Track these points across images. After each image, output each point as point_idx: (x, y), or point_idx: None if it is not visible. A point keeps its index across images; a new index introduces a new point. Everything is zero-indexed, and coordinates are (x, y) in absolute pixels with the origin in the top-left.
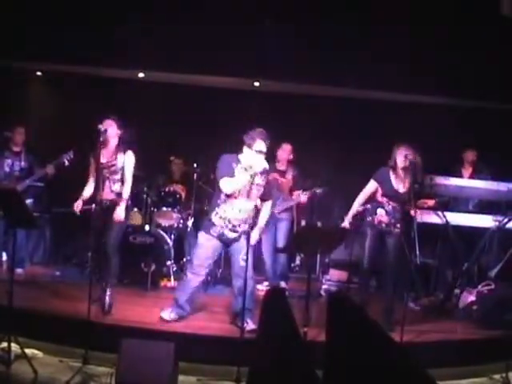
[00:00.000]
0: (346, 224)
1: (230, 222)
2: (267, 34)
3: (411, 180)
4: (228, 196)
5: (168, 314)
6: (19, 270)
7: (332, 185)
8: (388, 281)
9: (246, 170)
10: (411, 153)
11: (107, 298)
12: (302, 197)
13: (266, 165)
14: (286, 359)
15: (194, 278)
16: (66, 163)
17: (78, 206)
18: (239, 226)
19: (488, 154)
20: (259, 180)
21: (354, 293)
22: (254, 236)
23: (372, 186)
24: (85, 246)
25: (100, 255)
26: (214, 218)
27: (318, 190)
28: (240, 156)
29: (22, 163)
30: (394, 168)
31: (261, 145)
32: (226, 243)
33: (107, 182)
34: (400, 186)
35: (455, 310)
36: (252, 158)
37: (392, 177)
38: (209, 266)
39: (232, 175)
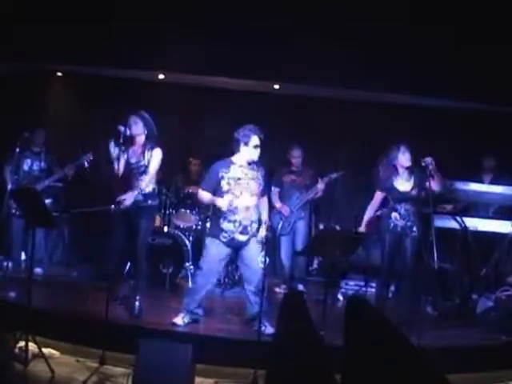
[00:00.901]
0: (361, 229)
1: (240, 224)
2: (289, 36)
3: (420, 180)
4: (234, 198)
5: (181, 319)
6: (38, 270)
7: (348, 187)
8: (406, 285)
9: (238, 179)
10: (410, 153)
11: (137, 302)
12: (319, 185)
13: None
14: (304, 362)
15: (204, 284)
16: (86, 165)
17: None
18: (250, 226)
19: (508, 161)
20: (256, 174)
21: (371, 297)
22: (261, 233)
23: (379, 195)
24: (104, 246)
25: (123, 257)
26: (223, 223)
27: (334, 175)
28: (236, 156)
29: (42, 163)
30: (397, 172)
31: (256, 140)
32: (236, 248)
33: (135, 182)
34: (406, 186)
35: (473, 315)
36: (251, 153)
37: (396, 182)
38: (218, 272)
39: (216, 186)
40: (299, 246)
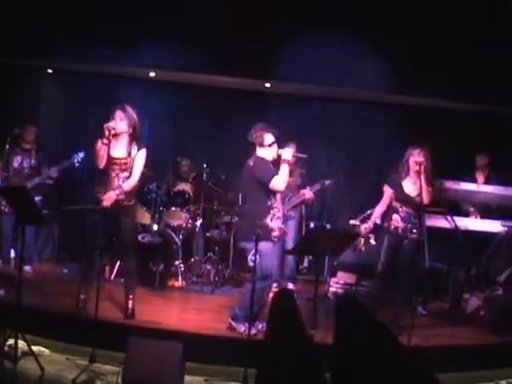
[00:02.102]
0: (362, 230)
1: (284, 216)
2: (280, 36)
3: (422, 184)
4: (275, 193)
5: (243, 326)
6: (27, 267)
7: (340, 185)
8: (401, 286)
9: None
10: (423, 157)
11: (130, 302)
12: (309, 193)
13: (289, 151)
14: (294, 361)
15: (263, 288)
16: (77, 164)
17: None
18: (290, 216)
19: (501, 160)
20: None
21: (362, 296)
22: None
23: (388, 191)
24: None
25: (103, 256)
26: (271, 222)
27: (327, 182)
28: (262, 155)
29: (32, 161)
30: (407, 172)
31: (271, 137)
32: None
33: (115, 180)
34: (411, 190)
35: (463, 314)
36: (272, 151)
37: (404, 181)
38: (273, 274)
39: (275, 174)
40: (290, 245)
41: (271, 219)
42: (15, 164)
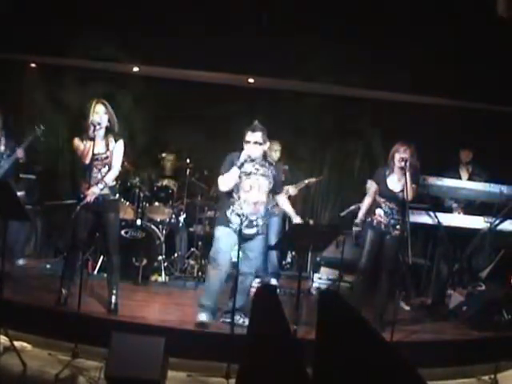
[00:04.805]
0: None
1: (246, 218)
2: (264, 31)
3: (407, 181)
4: (242, 192)
5: (205, 316)
6: (20, 261)
7: (325, 181)
8: (383, 281)
9: (241, 165)
10: (409, 154)
11: (113, 297)
12: (291, 190)
13: (257, 153)
14: (276, 357)
15: (217, 273)
16: (42, 138)
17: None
18: (256, 220)
19: (484, 156)
20: (267, 171)
21: (344, 291)
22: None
23: (372, 187)
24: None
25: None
26: (230, 215)
27: (311, 180)
28: (242, 153)
29: (1, 147)
30: (392, 168)
31: (252, 136)
32: (244, 239)
33: (98, 175)
34: (396, 186)
35: (445, 310)
36: (251, 150)
37: (388, 177)
38: (230, 260)
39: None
40: (273, 240)
41: (231, 213)
42: None
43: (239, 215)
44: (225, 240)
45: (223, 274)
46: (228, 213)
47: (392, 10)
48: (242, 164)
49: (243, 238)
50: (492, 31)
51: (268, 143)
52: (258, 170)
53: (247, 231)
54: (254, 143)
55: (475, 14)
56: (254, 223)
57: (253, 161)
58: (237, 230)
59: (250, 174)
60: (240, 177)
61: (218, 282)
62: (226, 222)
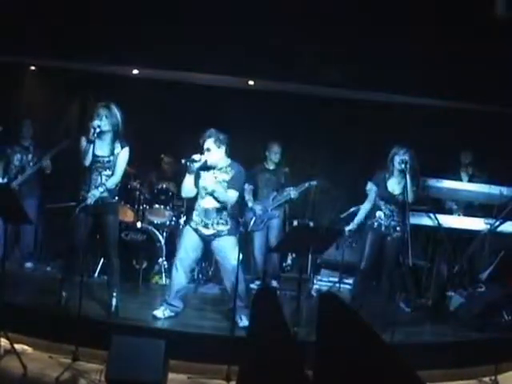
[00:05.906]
0: (351, 228)
1: (202, 220)
2: (264, 32)
3: (407, 183)
4: (197, 196)
5: (161, 311)
6: (28, 264)
7: (326, 183)
8: (384, 283)
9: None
10: (409, 156)
11: (114, 299)
12: (293, 193)
13: (212, 160)
14: (276, 359)
15: (181, 274)
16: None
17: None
18: (212, 224)
19: (484, 158)
20: (223, 176)
21: (345, 293)
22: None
23: (372, 190)
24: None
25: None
26: (193, 214)
27: (312, 183)
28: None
29: (29, 156)
30: (392, 171)
31: (205, 143)
32: (204, 239)
33: (99, 178)
34: (395, 188)
35: (446, 312)
36: (207, 157)
37: (388, 180)
38: (193, 261)
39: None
40: (273, 243)
41: (194, 211)
42: (16, 162)
43: (198, 216)
44: (188, 238)
45: (187, 274)
46: (193, 212)
47: (392, 10)
48: (194, 171)
49: (203, 238)
50: (492, 31)
51: (223, 147)
52: (216, 177)
53: (203, 231)
54: (207, 150)
55: (475, 14)
56: (209, 226)
57: (212, 168)
58: (195, 229)
59: (205, 180)
60: (196, 184)
61: (182, 282)
62: (190, 220)
